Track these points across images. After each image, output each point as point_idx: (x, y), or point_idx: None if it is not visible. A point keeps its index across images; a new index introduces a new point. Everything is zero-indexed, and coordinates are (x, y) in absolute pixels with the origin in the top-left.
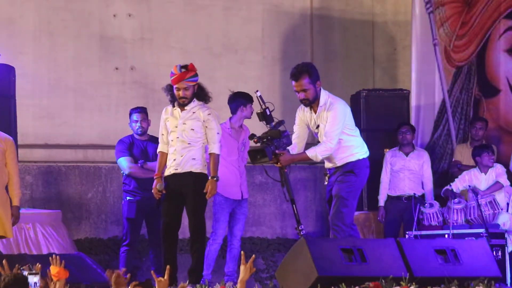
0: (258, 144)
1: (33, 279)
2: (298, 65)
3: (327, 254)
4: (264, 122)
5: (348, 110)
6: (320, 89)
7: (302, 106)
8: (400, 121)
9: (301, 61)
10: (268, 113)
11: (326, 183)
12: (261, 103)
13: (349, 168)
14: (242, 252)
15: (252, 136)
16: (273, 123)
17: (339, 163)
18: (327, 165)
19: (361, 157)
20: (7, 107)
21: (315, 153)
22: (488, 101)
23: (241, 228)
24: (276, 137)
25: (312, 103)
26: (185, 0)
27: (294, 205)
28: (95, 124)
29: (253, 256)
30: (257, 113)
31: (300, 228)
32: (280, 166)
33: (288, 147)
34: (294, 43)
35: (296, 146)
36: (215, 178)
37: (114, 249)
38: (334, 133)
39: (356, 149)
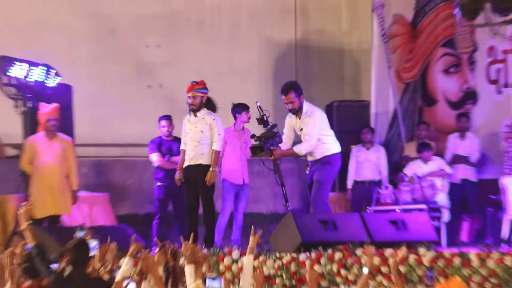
0: (257, 142)
1: (93, 243)
2: (286, 83)
3: (308, 224)
4: (262, 125)
5: (324, 116)
6: (303, 101)
7: (290, 114)
8: (363, 125)
9: (288, 80)
10: (265, 118)
11: (307, 172)
12: (260, 111)
13: (326, 160)
14: (252, 226)
15: (253, 136)
16: (269, 126)
17: (318, 156)
18: (309, 158)
19: (335, 152)
20: (67, 116)
21: (299, 149)
22: (429, 109)
23: (243, 206)
24: (271, 136)
25: (297, 111)
26: (199, 34)
27: (283, 188)
28: (133, 128)
29: (261, 230)
30: (257, 119)
31: (288, 205)
32: (273, 159)
33: (279, 144)
34: (283, 66)
35: (285, 144)
36: (213, 169)
37: (148, 222)
38: (313, 134)
39: (331, 145)
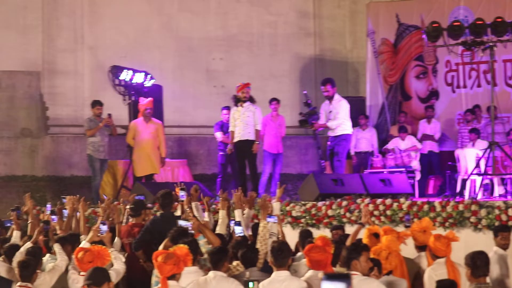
0: (303, 118)
1: (182, 193)
2: (325, 78)
3: (324, 181)
4: (306, 106)
5: (348, 105)
6: (335, 92)
7: (326, 100)
8: (360, 113)
9: (310, 83)
10: (309, 102)
11: (328, 143)
12: (306, 98)
13: (344, 137)
14: (278, 182)
15: (300, 113)
16: (311, 107)
17: (338, 133)
18: (330, 134)
19: (349, 132)
20: (158, 106)
21: (331, 124)
22: (406, 103)
23: (279, 168)
24: (313, 114)
25: (331, 98)
26: (248, 51)
27: (320, 150)
28: (204, 114)
29: (284, 185)
30: (303, 102)
31: (322, 162)
32: (314, 129)
33: (318, 120)
34: (306, 73)
35: (322, 120)
36: (257, 142)
37: (214, 179)
38: (341, 116)
39: (347, 127)
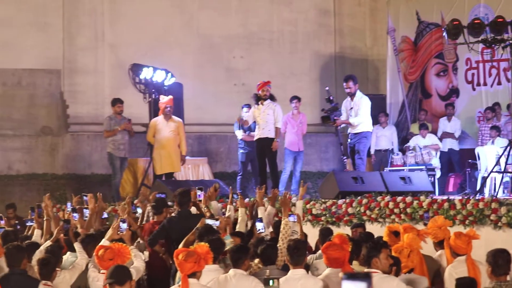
0: (326, 114)
1: (199, 192)
2: (348, 75)
3: (344, 179)
4: (328, 103)
5: (370, 103)
6: (358, 89)
7: (347, 97)
8: (380, 111)
9: (330, 81)
10: (331, 98)
11: (349, 141)
12: (328, 94)
13: (364, 135)
14: (301, 181)
15: (323, 109)
16: (333, 104)
17: (359, 131)
18: (351, 131)
19: (369, 130)
20: (178, 104)
21: (353, 121)
22: (426, 101)
23: (300, 166)
24: (335, 110)
25: (353, 95)
26: (269, 48)
27: (342, 146)
28: (223, 112)
29: (307, 183)
30: (325, 98)
31: (344, 158)
32: (336, 125)
33: (340, 116)
34: (326, 71)
35: (343, 117)
36: (277, 140)
37: (234, 177)
38: (362, 113)
39: (368, 124)
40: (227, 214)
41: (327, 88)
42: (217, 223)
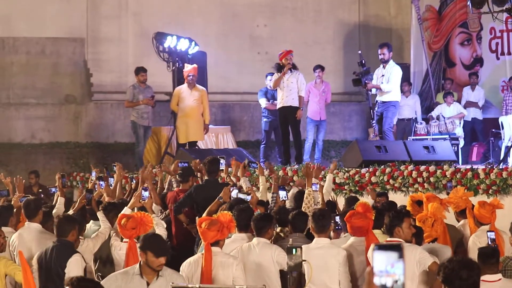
0: (357, 77)
1: (221, 161)
2: (383, 42)
3: (367, 148)
4: (361, 66)
5: (401, 72)
6: (391, 57)
7: (380, 65)
8: (404, 80)
9: (353, 50)
10: (363, 62)
11: (376, 109)
12: (360, 58)
13: (393, 104)
14: (334, 159)
15: (354, 73)
16: (365, 68)
17: (387, 100)
18: (379, 98)
19: (398, 99)
20: (202, 73)
21: (384, 87)
22: (450, 70)
23: (322, 135)
24: (366, 74)
25: (386, 62)
26: (292, 17)
27: (372, 110)
28: (248, 81)
29: (337, 160)
30: (358, 62)
31: (372, 122)
32: (367, 89)
33: (371, 81)
34: (350, 40)
35: (374, 81)
36: (301, 108)
37: (257, 146)
38: (393, 81)
39: (397, 93)
40: (260, 186)
41: (359, 52)
42: (249, 197)
